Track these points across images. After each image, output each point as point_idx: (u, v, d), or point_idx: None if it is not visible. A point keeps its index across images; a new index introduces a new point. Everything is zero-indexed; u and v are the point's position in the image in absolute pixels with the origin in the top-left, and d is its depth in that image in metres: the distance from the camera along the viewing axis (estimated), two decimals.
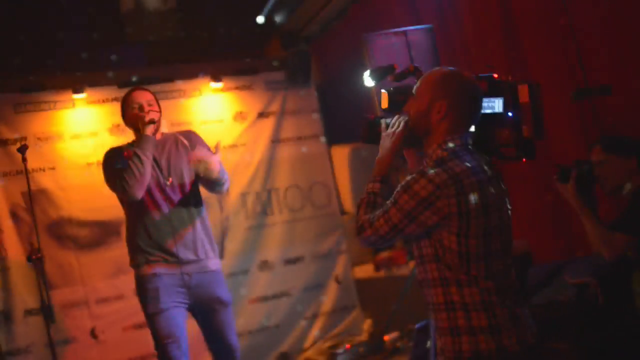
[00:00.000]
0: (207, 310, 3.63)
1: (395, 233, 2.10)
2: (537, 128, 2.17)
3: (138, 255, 3.56)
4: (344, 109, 6.13)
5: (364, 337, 5.43)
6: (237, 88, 5.54)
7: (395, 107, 2.42)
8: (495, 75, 2.24)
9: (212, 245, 3.71)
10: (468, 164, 2.07)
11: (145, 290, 3.53)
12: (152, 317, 3.51)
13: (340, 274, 5.60)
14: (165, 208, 3.55)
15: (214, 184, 3.60)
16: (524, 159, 2.21)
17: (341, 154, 5.75)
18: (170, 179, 3.57)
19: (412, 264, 4.75)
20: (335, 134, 5.99)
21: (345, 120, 6.05)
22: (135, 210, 3.56)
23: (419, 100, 2.18)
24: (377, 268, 5.38)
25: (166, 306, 3.50)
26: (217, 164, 3.49)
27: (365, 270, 5.58)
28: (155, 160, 3.58)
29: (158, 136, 3.65)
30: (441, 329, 2.13)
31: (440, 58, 4.07)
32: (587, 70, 3.66)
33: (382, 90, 2.45)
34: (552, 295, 3.54)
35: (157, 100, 3.68)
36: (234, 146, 5.38)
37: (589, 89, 3.62)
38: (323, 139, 5.77)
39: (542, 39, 3.92)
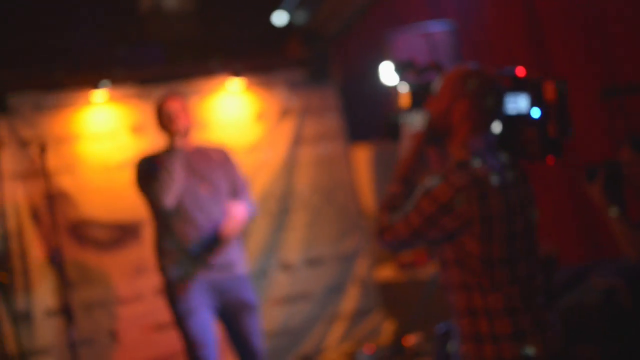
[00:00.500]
0: (233, 314, 3.72)
1: (415, 238, 2.04)
2: (563, 127, 2.08)
3: (166, 260, 3.68)
4: (365, 108, 6.07)
5: (385, 339, 5.36)
6: (256, 87, 5.50)
7: (415, 104, 2.36)
8: (520, 72, 2.16)
9: (240, 250, 3.84)
10: (491, 166, 2.01)
11: (173, 292, 3.64)
12: (182, 318, 3.61)
13: (361, 276, 5.54)
14: (196, 216, 3.68)
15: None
16: (550, 159, 2.13)
17: (362, 154, 5.68)
18: (203, 187, 3.72)
19: (434, 266, 4.67)
20: (356, 133, 5.92)
21: (366, 119, 6.00)
22: (165, 217, 3.68)
23: (439, 100, 2.12)
24: (399, 270, 5.30)
25: (196, 307, 3.61)
26: (244, 217, 3.74)
27: (386, 272, 5.50)
28: (190, 168, 3.73)
29: (191, 145, 3.81)
30: (464, 335, 2.06)
31: (462, 55, 4.01)
32: (615, 68, 3.57)
33: (403, 88, 2.38)
34: (578, 298, 3.45)
35: (187, 108, 3.82)
36: (254, 147, 5.34)
37: (618, 88, 3.53)
38: (344, 139, 5.71)
39: (567, 34, 3.83)
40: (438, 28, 3.93)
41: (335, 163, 5.63)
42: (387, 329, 5.46)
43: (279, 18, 6.03)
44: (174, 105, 3.78)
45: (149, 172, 3.70)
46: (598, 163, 2.88)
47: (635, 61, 3.48)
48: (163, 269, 3.71)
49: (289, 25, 6.24)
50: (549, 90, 2.08)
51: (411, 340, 4.74)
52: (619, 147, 2.97)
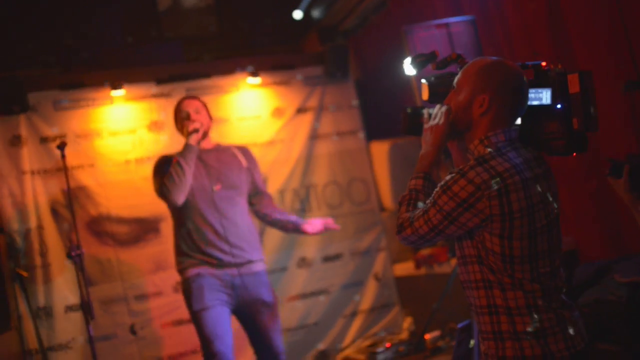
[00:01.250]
0: (251, 312, 3.74)
1: (435, 234, 2.00)
2: (588, 120, 2.02)
3: (182, 258, 3.74)
4: (383, 104, 6.05)
5: (404, 335, 5.34)
6: (274, 83, 5.48)
7: (436, 98, 2.32)
8: (543, 64, 2.10)
9: (257, 248, 3.86)
10: (512, 162, 1.95)
11: (190, 290, 3.68)
12: (198, 314, 3.63)
13: (380, 272, 5.51)
14: (209, 214, 3.72)
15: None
16: (574, 153, 2.07)
17: (380, 150, 5.65)
18: (218, 186, 3.75)
19: (453, 261, 4.64)
20: (374, 129, 5.90)
21: (384, 115, 5.98)
22: (181, 214, 3.75)
23: (460, 94, 2.06)
24: (418, 265, 5.28)
25: (211, 303, 3.63)
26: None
27: (405, 268, 5.48)
28: (206, 167, 3.78)
29: (209, 144, 3.88)
30: (484, 332, 2.03)
31: (482, 50, 3.96)
32: (638, 61, 3.51)
33: (423, 81, 2.34)
34: (600, 294, 3.40)
35: (206, 108, 3.92)
36: (271, 142, 5.34)
37: None
38: (362, 135, 5.69)
39: (590, 27, 3.78)
40: (457, 22, 3.89)
41: (354, 159, 5.61)
42: (406, 324, 5.44)
43: (297, 14, 6.02)
44: (191, 105, 3.85)
45: (163, 169, 3.75)
46: (623, 158, 2.84)
47: None
48: (180, 266, 3.75)
49: (307, 21, 6.23)
50: (573, 83, 2.03)
51: (431, 335, 4.71)
52: None
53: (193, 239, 3.71)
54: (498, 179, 1.91)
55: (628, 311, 3.23)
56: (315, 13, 6.24)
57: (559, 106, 2.06)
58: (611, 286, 3.36)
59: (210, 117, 3.93)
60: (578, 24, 3.86)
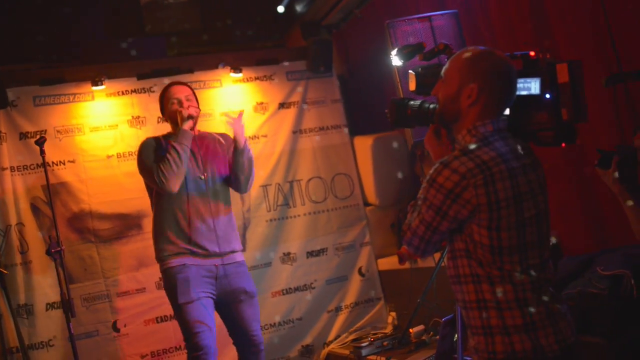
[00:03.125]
0: (232, 301, 3.68)
1: (431, 232, 1.98)
2: (577, 110, 2.00)
3: (167, 246, 3.63)
4: (367, 99, 6.03)
5: (388, 330, 5.35)
6: (257, 78, 5.46)
7: (423, 89, 2.29)
8: (532, 54, 2.08)
9: (238, 239, 3.82)
10: (498, 151, 1.93)
11: (174, 281, 3.59)
12: (183, 307, 3.55)
13: (364, 266, 5.52)
14: (198, 202, 3.65)
15: (247, 179, 3.79)
16: (563, 144, 2.05)
17: (364, 145, 5.64)
18: (206, 174, 3.69)
19: (437, 255, 4.63)
20: (357, 124, 5.89)
21: (367, 109, 5.96)
22: (167, 202, 3.65)
23: (448, 84, 2.04)
24: (401, 260, 5.26)
25: (197, 296, 3.57)
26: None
27: (389, 263, 5.47)
28: (193, 154, 3.70)
29: (196, 132, 3.78)
30: (473, 327, 2.01)
31: (466, 43, 3.95)
32: (620, 54, 3.52)
33: (410, 71, 2.32)
34: (583, 287, 3.40)
35: (195, 96, 3.84)
36: (254, 137, 5.31)
37: (623, 74, 3.48)
38: (345, 129, 5.68)
39: (573, 21, 3.78)
40: (440, 16, 3.88)
41: (337, 153, 5.60)
42: (390, 319, 5.44)
43: (280, 8, 5.98)
44: (181, 91, 3.75)
45: (155, 153, 3.64)
46: (612, 149, 2.84)
47: (639, 47, 3.44)
48: (162, 254, 3.66)
49: (290, 16, 6.19)
50: (562, 72, 2.01)
51: (415, 330, 4.71)
52: (634, 132, 2.92)
53: (181, 226, 3.63)
54: (484, 167, 1.89)
55: (610, 304, 3.24)
56: (298, 8, 6.21)
57: (547, 96, 2.03)
58: (594, 279, 3.37)
59: (199, 106, 3.87)
60: (561, 18, 3.87)
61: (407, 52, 2.69)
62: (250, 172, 3.80)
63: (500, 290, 1.93)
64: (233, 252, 3.73)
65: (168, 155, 3.56)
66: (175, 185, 3.56)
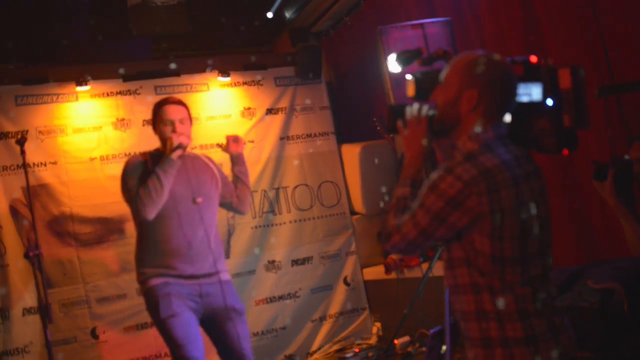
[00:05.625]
0: (220, 320, 3.54)
1: (424, 238, 1.90)
2: (580, 116, 1.95)
3: (149, 269, 3.48)
4: (355, 107, 5.99)
5: (372, 340, 5.28)
6: (245, 83, 5.40)
7: (421, 94, 2.23)
8: (533, 59, 2.02)
9: (222, 257, 3.67)
10: (502, 158, 1.87)
11: (156, 297, 3.43)
12: (166, 322, 3.39)
13: (350, 276, 5.46)
14: (185, 226, 3.48)
15: (248, 202, 3.85)
16: (565, 151, 2.00)
17: (352, 153, 5.58)
18: (200, 199, 3.52)
19: (424, 266, 4.58)
20: (345, 132, 5.84)
21: (355, 117, 5.92)
22: (151, 225, 3.46)
23: (447, 89, 1.98)
24: (388, 270, 5.21)
25: (179, 309, 3.41)
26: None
27: (375, 272, 5.41)
28: (187, 176, 3.54)
29: (186, 152, 3.56)
30: (472, 339, 1.93)
31: (457, 52, 3.92)
32: (613, 66, 3.49)
33: (408, 77, 2.25)
34: (572, 300, 3.36)
35: (190, 116, 3.59)
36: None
37: (615, 86, 3.45)
38: (333, 137, 5.63)
39: (565, 32, 3.75)
40: (433, 23, 3.84)
41: (325, 161, 5.55)
42: (375, 329, 5.38)
43: (269, 14, 5.92)
44: (176, 113, 3.51)
45: (138, 175, 3.45)
46: (607, 161, 2.81)
47: (631, 59, 3.41)
48: (142, 277, 3.50)
49: (279, 23, 6.14)
50: (565, 78, 1.95)
51: (400, 341, 4.64)
52: (629, 143, 2.89)
53: (165, 250, 3.45)
54: (487, 174, 1.83)
55: (601, 318, 3.19)
56: (288, 14, 6.15)
57: (549, 102, 1.98)
58: (584, 292, 3.32)
59: (192, 125, 3.65)
60: (553, 27, 3.84)
61: (406, 58, 2.64)
62: (249, 185, 3.85)
63: (501, 301, 1.86)
64: (218, 272, 3.56)
65: (149, 182, 3.38)
66: (151, 213, 3.39)
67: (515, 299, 1.86)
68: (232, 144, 3.77)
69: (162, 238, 3.46)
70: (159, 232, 3.47)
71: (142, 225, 3.50)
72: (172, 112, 3.51)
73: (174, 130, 3.47)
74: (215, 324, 3.56)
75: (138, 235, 3.57)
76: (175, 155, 3.44)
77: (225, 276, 3.64)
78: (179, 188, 3.51)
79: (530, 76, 2.00)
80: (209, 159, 3.83)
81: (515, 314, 1.85)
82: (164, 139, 3.52)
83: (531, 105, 2.00)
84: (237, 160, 3.79)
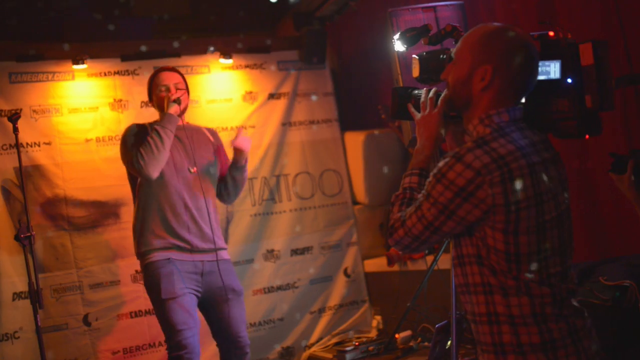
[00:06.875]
0: (219, 300, 3.48)
1: (430, 232, 1.74)
2: (603, 97, 1.77)
3: (151, 240, 3.42)
4: (360, 94, 5.85)
5: (372, 334, 5.17)
6: (247, 66, 5.25)
7: (427, 74, 2.07)
8: (551, 34, 1.85)
9: (221, 235, 3.65)
10: (517, 144, 1.70)
11: (157, 276, 3.37)
12: (166, 303, 3.33)
13: (350, 267, 5.33)
14: (186, 196, 3.46)
15: (236, 195, 3.71)
16: (587, 136, 1.83)
17: (355, 141, 5.45)
18: (195, 168, 3.50)
19: (429, 258, 4.45)
20: (349, 119, 5.71)
21: (360, 105, 5.78)
22: (152, 193, 3.44)
23: (459, 66, 1.80)
24: (390, 262, 5.08)
25: (182, 292, 3.36)
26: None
27: (376, 264, 5.29)
28: (183, 145, 3.53)
29: (184, 121, 3.59)
30: (483, 344, 1.77)
31: None
32: (632, 55, 3.36)
33: (414, 56, 2.10)
34: (584, 297, 3.25)
35: (186, 83, 3.63)
36: (241, 128, 5.09)
37: (634, 75, 3.32)
38: (336, 124, 5.49)
39: (582, 18, 3.62)
40: (445, 7, 3.70)
41: (327, 149, 5.42)
42: (375, 322, 5.26)
43: None
44: (171, 78, 3.57)
45: (137, 137, 3.45)
46: (626, 152, 2.67)
47: None
48: (144, 248, 3.44)
49: (283, 6, 6.00)
50: (586, 53, 1.78)
51: (401, 335, 4.52)
52: None
53: (167, 219, 3.42)
54: (501, 162, 1.66)
55: (614, 315, 3.08)
56: None
57: (569, 80, 1.80)
58: (596, 289, 3.22)
59: (189, 95, 3.68)
60: (569, 14, 3.71)
61: (411, 36, 2.48)
62: (242, 189, 3.73)
63: (515, 302, 1.69)
64: (220, 249, 3.54)
65: (149, 139, 3.36)
66: (154, 171, 3.35)
67: (531, 301, 1.69)
68: (240, 138, 3.62)
69: (164, 205, 3.43)
70: (161, 198, 3.43)
71: (142, 192, 3.46)
72: (167, 78, 3.56)
73: (169, 91, 3.52)
74: (213, 303, 3.51)
75: (137, 205, 3.51)
76: (172, 110, 3.45)
77: (226, 255, 3.61)
78: (177, 156, 3.49)
79: (548, 53, 1.82)
80: (212, 131, 3.80)
81: (531, 317, 1.69)
82: (160, 103, 3.54)
83: (549, 83, 1.82)
84: (237, 161, 3.65)
